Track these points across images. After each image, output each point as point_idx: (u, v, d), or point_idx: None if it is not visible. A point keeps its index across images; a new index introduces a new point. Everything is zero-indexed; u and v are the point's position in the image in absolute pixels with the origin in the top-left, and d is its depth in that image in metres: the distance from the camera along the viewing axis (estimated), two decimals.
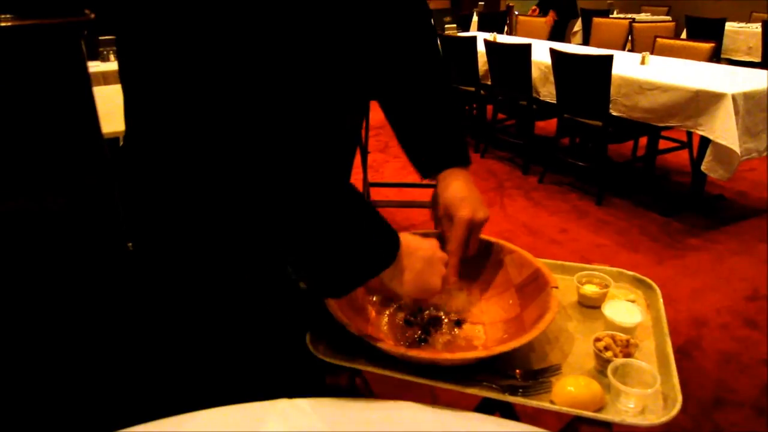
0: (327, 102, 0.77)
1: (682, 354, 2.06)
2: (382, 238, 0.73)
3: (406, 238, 0.76)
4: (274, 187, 0.65)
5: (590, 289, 0.94)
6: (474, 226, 0.88)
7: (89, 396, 0.93)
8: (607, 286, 0.94)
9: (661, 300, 0.93)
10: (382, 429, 0.73)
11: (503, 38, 4.27)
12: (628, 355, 0.78)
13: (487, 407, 0.92)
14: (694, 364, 2.03)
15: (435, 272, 0.78)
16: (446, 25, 4.62)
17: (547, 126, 4.24)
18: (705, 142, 2.86)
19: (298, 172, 0.66)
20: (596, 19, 5.81)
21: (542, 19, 5.32)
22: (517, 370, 0.78)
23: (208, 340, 0.88)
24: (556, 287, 0.85)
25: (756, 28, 5.20)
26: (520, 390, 0.75)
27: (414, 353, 0.76)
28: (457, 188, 0.89)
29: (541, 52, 3.62)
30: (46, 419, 0.93)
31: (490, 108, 4.35)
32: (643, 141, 3.68)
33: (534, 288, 0.88)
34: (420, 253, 0.77)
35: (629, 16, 6.34)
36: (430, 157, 0.93)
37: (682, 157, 3.77)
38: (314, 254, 0.69)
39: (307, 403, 0.78)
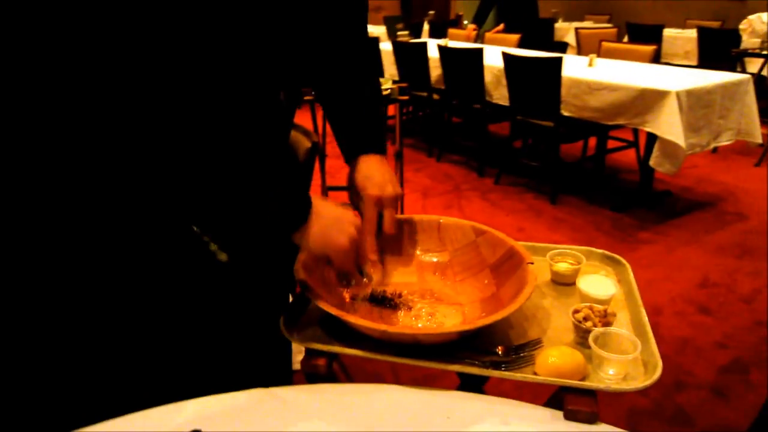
0: (250, 80, 0.78)
1: None
2: (294, 201, 0.77)
3: (318, 201, 0.80)
4: (195, 151, 0.69)
5: (563, 266, 0.94)
6: (384, 203, 0.91)
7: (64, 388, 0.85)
8: (579, 263, 0.94)
9: (631, 274, 0.94)
10: (363, 412, 0.70)
11: (455, 44, 4.33)
12: (607, 324, 0.78)
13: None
14: None
15: (342, 231, 0.80)
16: (398, 32, 4.64)
17: (500, 129, 4.31)
18: (651, 140, 2.97)
19: (219, 142, 0.71)
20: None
21: (508, 36, 5.31)
22: (499, 347, 0.77)
23: (179, 329, 0.84)
24: (532, 263, 0.84)
25: (692, 33, 5.45)
26: (503, 365, 0.74)
27: (394, 330, 0.74)
28: (366, 169, 0.93)
29: (493, 57, 3.68)
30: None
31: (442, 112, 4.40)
32: (593, 141, 3.79)
33: (509, 266, 0.88)
34: (329, 212, 0.80)
35: (573, 24, 6.57)
36: (350, 143, 0.98)
37: (630, 156, 3.89)
38: (227, 216, 0.75)
39: (284, 391, 0.75)
